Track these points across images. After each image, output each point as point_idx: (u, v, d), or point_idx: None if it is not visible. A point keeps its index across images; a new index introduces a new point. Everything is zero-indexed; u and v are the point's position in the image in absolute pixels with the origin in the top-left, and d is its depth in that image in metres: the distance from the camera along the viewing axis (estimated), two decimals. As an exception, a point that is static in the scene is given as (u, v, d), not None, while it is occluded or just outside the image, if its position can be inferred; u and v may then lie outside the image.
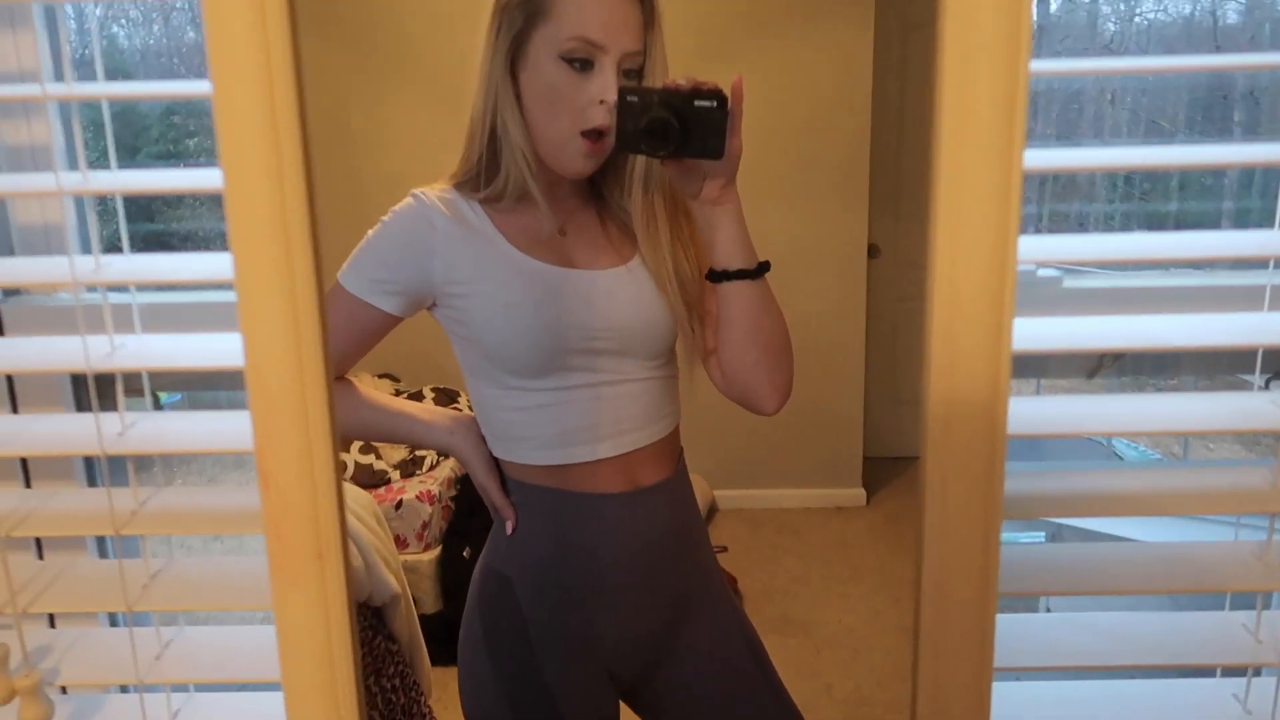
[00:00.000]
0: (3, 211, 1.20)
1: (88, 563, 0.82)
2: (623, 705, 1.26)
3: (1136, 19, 4.32)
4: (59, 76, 1.17)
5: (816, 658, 2.87)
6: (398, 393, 3.37)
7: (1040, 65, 0.58)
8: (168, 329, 0.79)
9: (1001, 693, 0.67)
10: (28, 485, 1.22)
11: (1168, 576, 0.73)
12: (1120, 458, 3.53)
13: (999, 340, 0.58)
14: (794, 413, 1.20)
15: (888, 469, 4.15)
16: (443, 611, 2.79)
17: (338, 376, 1.17)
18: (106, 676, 0.78)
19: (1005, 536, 0.62)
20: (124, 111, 3.60)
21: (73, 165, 1.14)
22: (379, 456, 3.00)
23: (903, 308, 4.17)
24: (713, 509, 3.87)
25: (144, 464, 0.78)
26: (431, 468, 3.04)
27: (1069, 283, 1.13)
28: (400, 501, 2.82)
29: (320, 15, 3.48)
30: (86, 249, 1.23)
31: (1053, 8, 4.30)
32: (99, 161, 0.79)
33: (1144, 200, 4.42)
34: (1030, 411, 0.69)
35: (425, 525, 2.83)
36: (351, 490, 2.04)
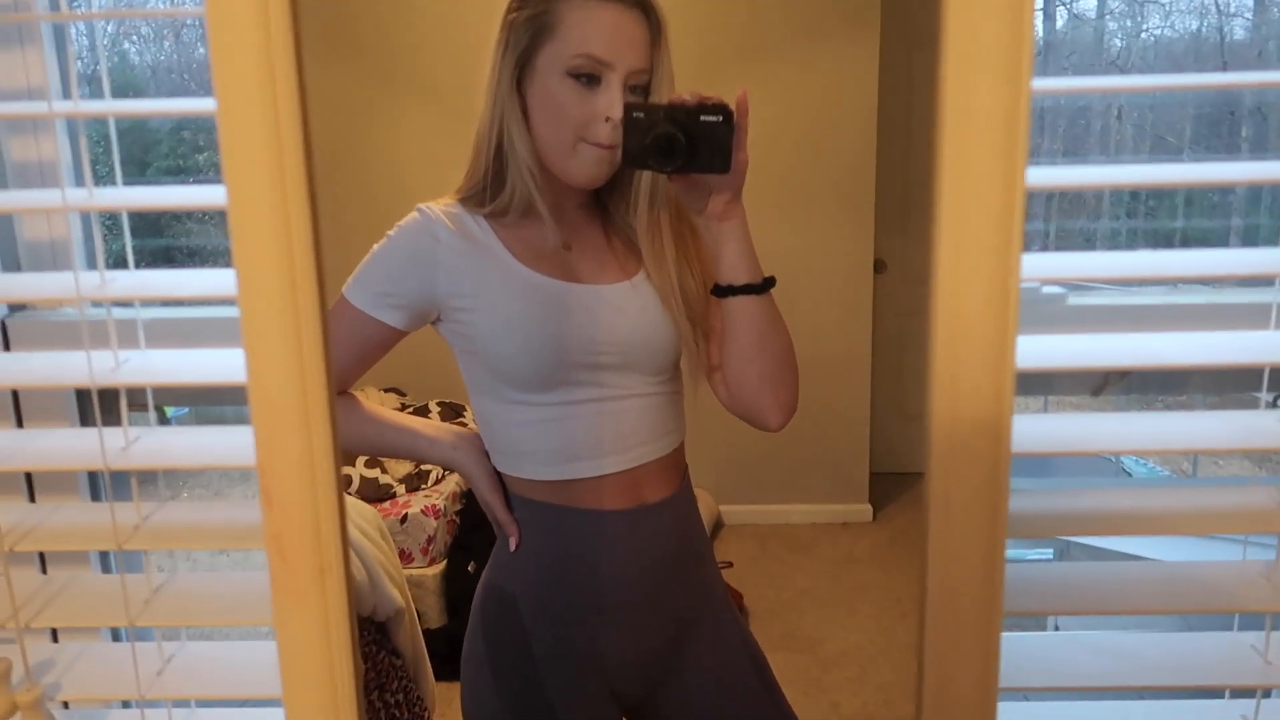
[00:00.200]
0: (10, 227, 1.21)
1: (90, 577, 0.82)
2: (626, 723, 1.26)
3: (1143, 35, 4.32)
4: (67, 93, 1.18)
5: (823, 675, 2.85)
6: (403, 407, 3.38)
7: (1042, 84, 0.58)
8: (173, 344, 0.79)
9: (1007, 712, 0.66)
10: (31, 499, 1.22)
11: (1175, 596, 0.72)
12: (1128, 474, 3.52)
13: (1003, 358, 0.57)
14: (800, 428, 1.20)
15: (894, 484, 4.14)
16: (447, 626, 2.78)
17: (341, 391, 1.17)
18: (108, 692, 0.77)
19: (1012, 553, 0.61)
20: (134, 127, 3.63)
21: (80, 181, 1.14)
22: (384, 470, 3.00)
23: (909, 323, 4.17)
24: (718, 524, 3.86)
25: (149, 477, 0.78)
26: (436, 482, 3.04)
27: (1074, 299, 1.13)
28: (405, 516, 2.81)
29: (337, 37, 3.51)
30: (93, 264, 1.24)
31: (1059, 24, 4.32)
32: (108, 177, 0.80)
33: (1150, 217, 4.41)
34: (1035, 430, 0.69)
35: (430, 540, 2.83)
36: (356, 504, 2.04)
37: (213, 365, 0.75)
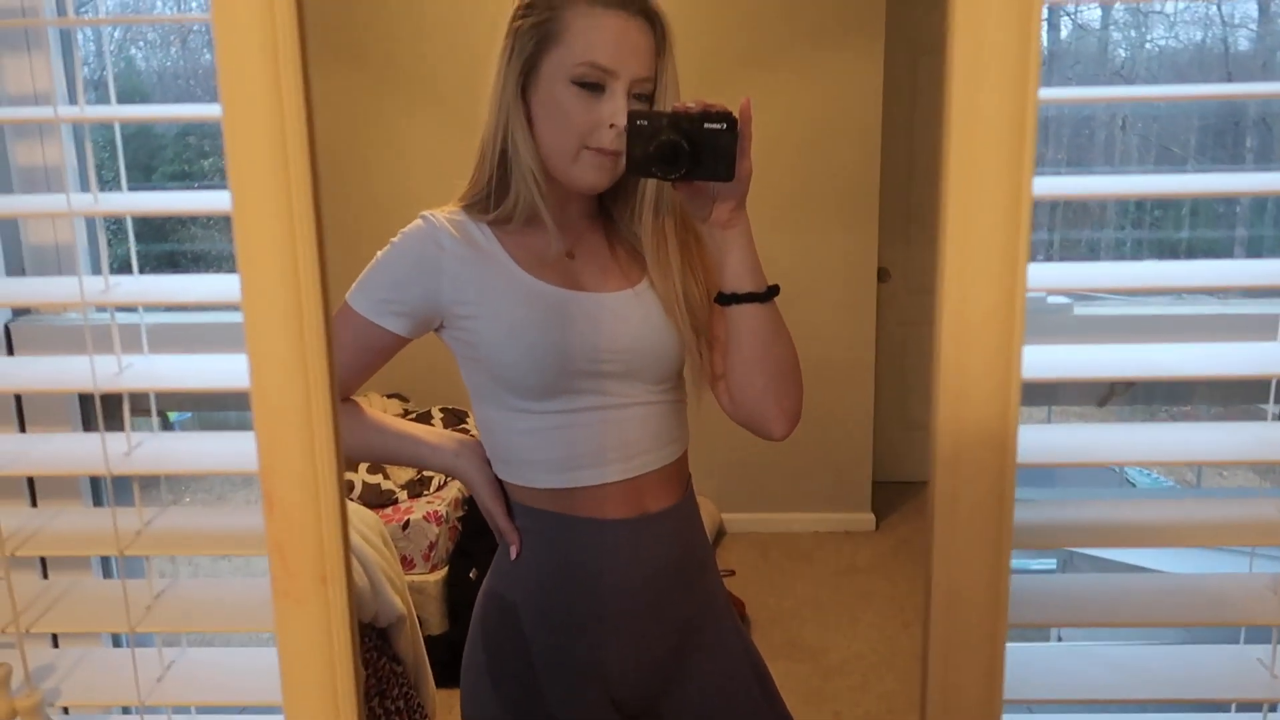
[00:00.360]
0: (15, 231, 1.21)
1: (91, 583, 0.82)
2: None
3: (1148, 45, 4.33)
4: (73, 98, 1.18)
5: (825, 685, 2.84)
6: (406, 413, 3.38)
7: (1049, 94, 0.58)
8: (176, 349, 0.79)
9: (1011, 726, 0.66)
10: (34, 504, 1.22)
11: (1181, 609, 0.72)
12: (1132, 484, 3.51)
13: (1008, 368, 0.57)
14: (803, 436, 1.19)
15: (897, 493, 4.13)
16: (448, 633, 2.78)
17: (344, 397, 1.17)
18: (108, 698, 0.77)
19: (1015, 562, 0.61)
20: (140, 132, 3.64)
21: (85, 186, 1.15)
22: (386, 476, 3.00)
23: (913, 331, 4.16)
24: (721, 532, 3.85)
25: (151, 481, 0.78)
26: (439, 488, 3.03)
27: (1079, 309, 1.12)
28: (407, 522, 2.81)
29: (343, 44, 3.52)
30: (97, 268, 1.24)
31: (1064, 34, 4.32)
32: (113, 181, 0.80)
33: (1155, 227, 4.41)
34: (1040, 441, 0.69)
35: (432, 546, 2.82)
36: (358, 510, 2.03)
37: (216, 371, 0.75)
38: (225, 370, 0.74)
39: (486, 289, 1.10)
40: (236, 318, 0.59)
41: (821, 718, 2.68)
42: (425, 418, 3.32)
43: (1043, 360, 0.69)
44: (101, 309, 0.79)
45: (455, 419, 3.33)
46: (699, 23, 3.48)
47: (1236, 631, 0.77)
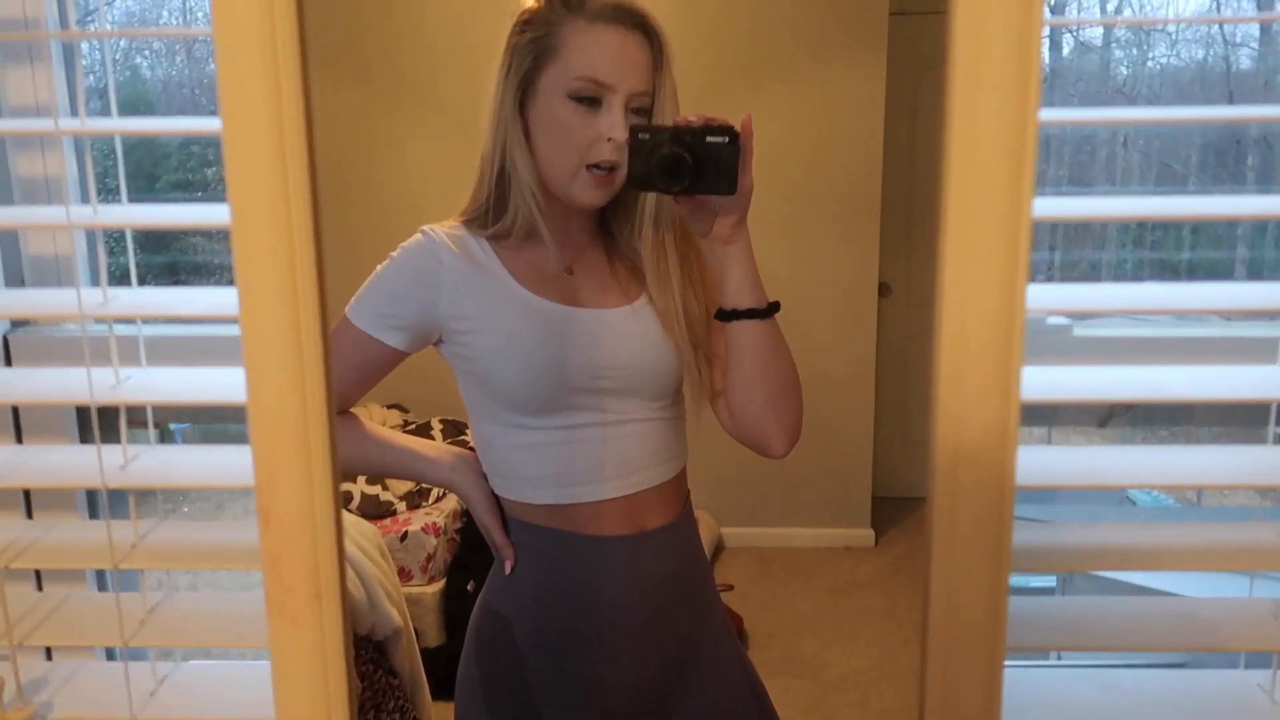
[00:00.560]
0: (15, 242, 1.21)
1: (85, 596, 0.81)
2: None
3: (1149, 64, 4.34)
4: (75, 108, 1.18)
5: (824, 701, 2.83)
6: (405, 424, 3.37)
7: (1049, 115, 0.58)
8: (175, 362, 0.79)
9: (1009, 749, 0.65)
10: (29, 516, 1.21)
11: (1180, 633, 0.71)
12: (1133, 503, 3.49)
13: (1007, 390, 0.57)
14: (803, 451, 1.19)
15: (897, 509, 4.12)
16: (445, 645, 2.76)
17: (342, 410, 1.17)
18: (101, 712, 0.76)
19: (1014, 580, 0.61)
20: (143, 141, 3.65)
21: (86, 198, 1.15)
22: (385, 487, 2.99)
23: (914, 346, 4.16)
24: (719, 546, 3.84)
25: (148, 491, 0.78)
26: (437, 500, 3.03)
27: (1079, 331, 1.12)
28: (405, 533, 2.80)
29: (346, 58, 3.54)
30: (96, 280, 1.24)
31: (1066, 51, 4.33)
32: (115, 191, 0.80)
33: (1156, 247, 4.41)
34: (1040, 462, 0.68)
35: (430, 558, 2.82)
36: (356, 522, 2.03)
37: (213, 384, 0.74)
38: (223, 383, 0.74)
39: (485, 304, 1.10)
40: (235, 331, 0.59)
41: (819, 735, 2.67)
42: (424, 428, 3.32)
43: (1042, 382, 0.69)
44: (100, 321, 0.79)
45: (454, 430, 3.32)
46: (702, 37, 3.49)
47: (1237, 656, 0.76)
